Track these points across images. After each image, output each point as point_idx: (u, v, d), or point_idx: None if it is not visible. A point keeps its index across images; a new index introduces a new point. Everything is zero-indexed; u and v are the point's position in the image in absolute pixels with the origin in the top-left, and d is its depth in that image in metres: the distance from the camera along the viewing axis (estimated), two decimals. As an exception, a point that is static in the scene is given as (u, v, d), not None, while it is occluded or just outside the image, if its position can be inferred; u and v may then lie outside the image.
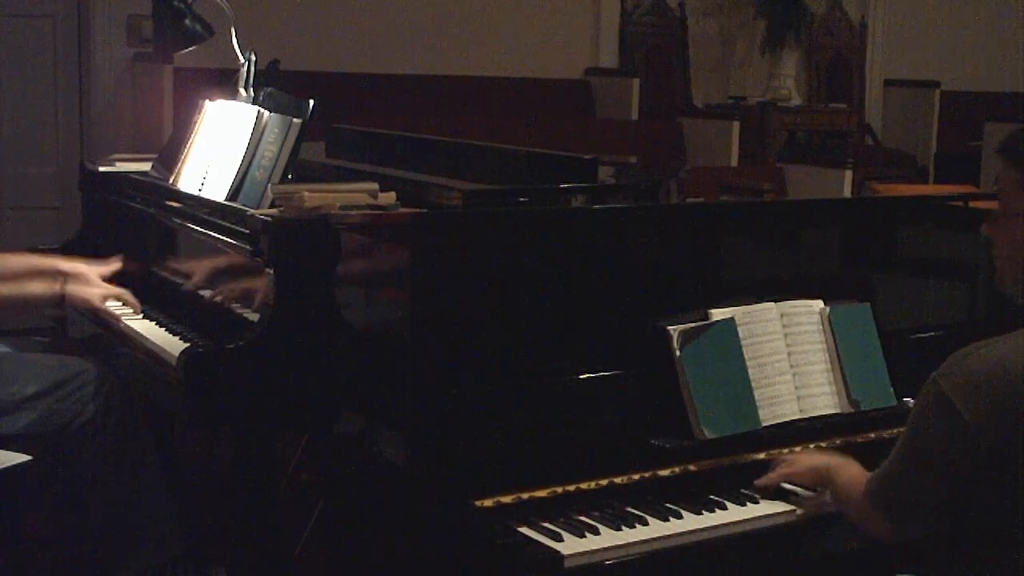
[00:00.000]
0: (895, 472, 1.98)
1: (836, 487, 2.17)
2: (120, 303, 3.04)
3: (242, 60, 3.19)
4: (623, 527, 2.13)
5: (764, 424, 2.42)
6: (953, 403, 1.85)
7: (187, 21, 3.43)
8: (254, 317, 2.61)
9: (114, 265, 3.12)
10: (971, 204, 3.08)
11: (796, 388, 2.49)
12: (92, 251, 3.31)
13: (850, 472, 2.15)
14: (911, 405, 2.56)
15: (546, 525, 2.10)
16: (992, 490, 1.86)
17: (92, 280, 3.03)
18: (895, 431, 2.52)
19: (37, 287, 3.04)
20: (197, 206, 2.95)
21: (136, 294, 3.11)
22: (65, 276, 3.03)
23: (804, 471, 2.27)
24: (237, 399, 2.49)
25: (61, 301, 3.03)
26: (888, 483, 1.99)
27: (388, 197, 2.65)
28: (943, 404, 1.86)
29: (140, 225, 3.33)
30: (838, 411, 2.54)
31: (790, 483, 2.30)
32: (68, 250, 3.49)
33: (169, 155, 3.27)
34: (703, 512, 2.21)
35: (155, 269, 3.24)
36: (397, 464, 2.22)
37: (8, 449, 2.83)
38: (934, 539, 2.01)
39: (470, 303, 2.25)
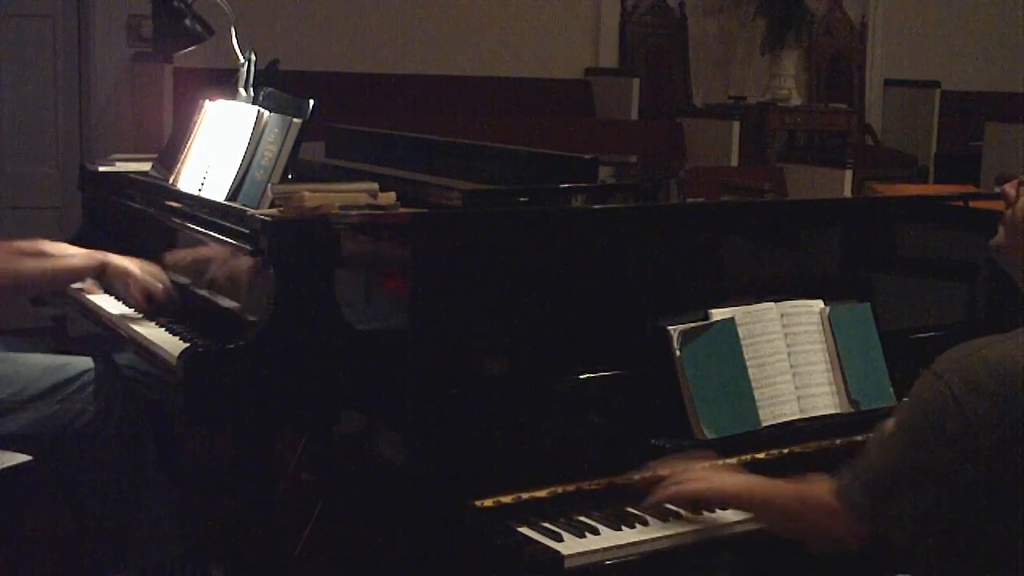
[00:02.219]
0: (886, 469, 1.90)
1: (772, 506, 2.06)
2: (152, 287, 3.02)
3: (242, 60, 3.18)
4: (623, 527, 2.13)
5: (764, 424, 2.42)
6: (959, 400, 1.82)
7: (187, 21, 3.43)
8: (254, 317, 2.61)
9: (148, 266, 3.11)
10: (971, 204, 3.08)
11: (796, 388, 2.49)
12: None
13: (783, 487, 2.05)
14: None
15: (546, 525, 2.10)
16: (991, 490, 1.85)
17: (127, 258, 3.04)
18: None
19: (78, 259, 3.03)
20: (197, 206, 2.95)
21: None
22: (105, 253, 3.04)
23: (695, 493, 2.15)
24: (237, 399, 2.49)
25: (103, 270, 3.00)
26: (875, 482, 1.91)
27: (388, 197, 2.65)
28: (949, 401, 1.83)
29: (140, 225, 3.33)
30: (838, 411, 2.54)
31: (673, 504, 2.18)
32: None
33: (169, 155, 3.27)
34: (703, 512, 2.21)
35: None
36: (397, 464, 2.22)
37: (8, 449, 2.83)
38: (931, 541, 1.99)
39: (470, 303, 2.25)
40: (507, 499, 2.13)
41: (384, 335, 2.37)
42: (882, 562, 2.24)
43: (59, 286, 3.18)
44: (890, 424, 1.94)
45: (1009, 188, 2.01)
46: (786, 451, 2.43)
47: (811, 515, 2.00)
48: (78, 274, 3.07)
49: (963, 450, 1.83)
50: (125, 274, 2.99)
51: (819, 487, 2.01)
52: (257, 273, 2.59)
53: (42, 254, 3.04)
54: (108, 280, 3.08)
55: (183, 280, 3.08)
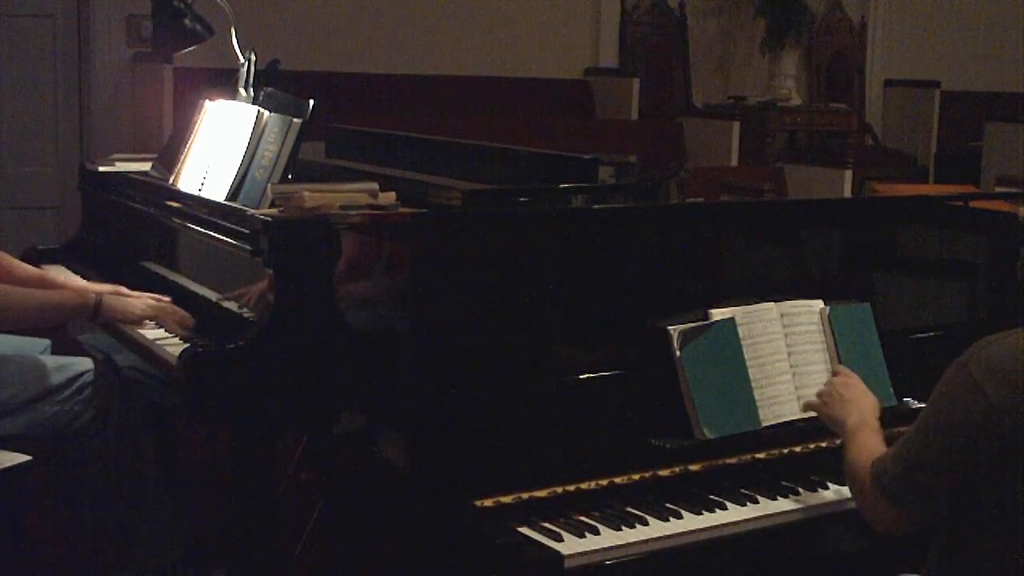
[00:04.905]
0: (911, 455, 1.95)
1: (847, 453, 2.15)
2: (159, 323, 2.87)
3: (242, 60, 3.19)
4: (623, 527, 2.13)
5: (764, 424, 2.42)
6: (980, 386, 1.86)
7: (187, 21, 3.43)
8: (254, 317, 2.61)
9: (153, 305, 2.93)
10: (971, 204, 3.08)
11: (796, 388, 2.48)
12: (92, 251, 3.31)
13: (861, 444, 2.13)
14: (912, 405, 2.58)
15: (546, 525, 2.10)
16: (1005, 480, 1.86)
17: (131, 301, 2.90)
18: (895, 431, 2.53)
19: (71, 296, 2.91)
20: (197, 206, 2.95)
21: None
22: (102, 294, 2.89)
23: (830, 417, 2.30)
24: (237, 399, 2.49)
25: (97, 311, 2.86)
26: (902, 467, 1.96)
27: (388, 197, 2.65)
28: (971, 387, 1.88)
29: (140, 225, 3.33)
30: (838, 411, 2.54)
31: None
32: (68, 250, 3.49)
33: (169, 155, 3.27)
34: (703, 512, 2.21)
35: (155, 269, 3.24)
36: (397, 464, 2.22)
37: (8, 449, 2.82)
38: (934, 538, 2.00)
39: (470, 303, 2.25)
40: (507, 499, 2.13)
41: (384, 335, 2.37)
42: (882, 562, 2.24)
43: (45, 324, 2.98)
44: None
45: None
46: (786, 451, 2.43)
47: (859, 489, 2.07)
48: (67, 315, 2.95)
49: (984, 434, 1.86)
50: (123, 319, 2.87)
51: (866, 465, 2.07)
52: (257, 273, 2.59)
53: (42, 281, 2.94)
54: (103, 321, 2.91)
55: (183, 280, 3.08)
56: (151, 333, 2.82)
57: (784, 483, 2.35)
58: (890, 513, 1.99)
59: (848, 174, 5.64)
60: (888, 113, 8.34)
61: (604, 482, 2.23)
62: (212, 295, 2.92)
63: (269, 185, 2.75)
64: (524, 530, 2.08)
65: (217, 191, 2.92)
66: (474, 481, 2.13)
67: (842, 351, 2.55)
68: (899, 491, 1.96)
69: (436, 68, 6.81)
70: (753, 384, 2.42)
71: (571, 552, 2.03)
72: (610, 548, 2.07)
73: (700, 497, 2.26)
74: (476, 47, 6.97)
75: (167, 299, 2.92)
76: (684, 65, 7.74)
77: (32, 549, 3.17)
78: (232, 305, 2.80)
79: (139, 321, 2.86)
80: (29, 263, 3.28)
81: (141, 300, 2.91)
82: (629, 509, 2.19)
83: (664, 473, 2.29)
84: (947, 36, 8.60)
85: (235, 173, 2.89)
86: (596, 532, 2.10)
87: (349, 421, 2.45)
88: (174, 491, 3.09)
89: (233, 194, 2.87)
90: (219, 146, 3.02)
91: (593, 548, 2.05)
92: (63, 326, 3.41)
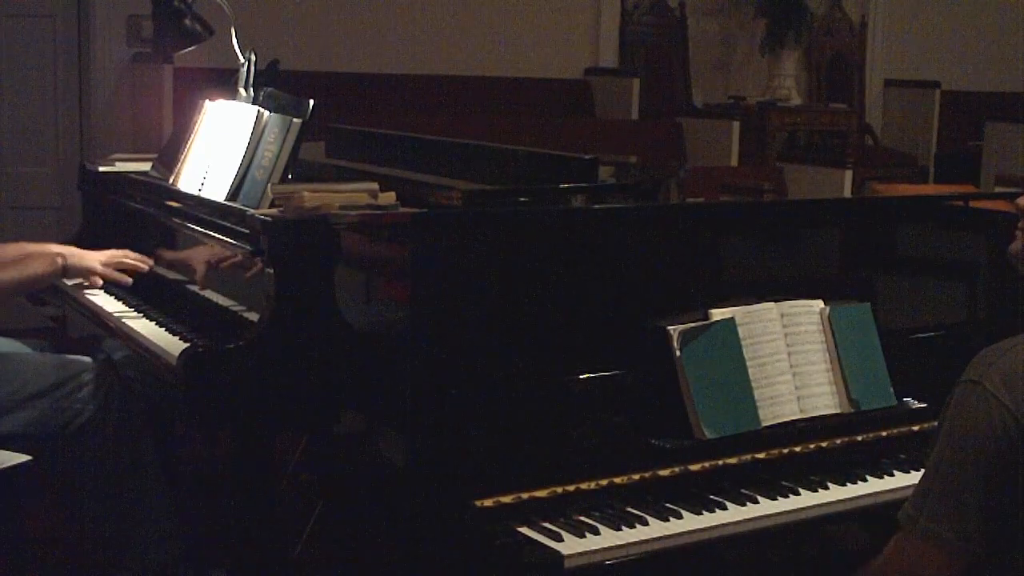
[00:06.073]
0: (945, 487, 1.88)
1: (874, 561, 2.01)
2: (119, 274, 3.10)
3: (242, 60, 3.18)
4: (623, 527, 2.13)
5: (764, 424, 2.42)
6: (1002, 401, 1.84)
7: (187, 21, 3.43)
8: (254, 317, 2.61)
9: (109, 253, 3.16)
10: (971, 204, 3.08)
11: (796, 388, 2.48)
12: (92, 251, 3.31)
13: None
14: (912, 405, 2.58)
15: (546, 525, 2.10)
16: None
17: (89, 253, 3.11)
18: (895, 431, 2.53)
19: (38, 266, 3.07)
20: (197, 206, 2.95)
21: (136, 293, 3.12)
22: (63, 254, 3.09)
23: None
24: (237, 399, 2.49)
25: (63, 274, 3.08)
26: (937, 498, 1.88)
27: (388, 197, 2.65)
28: (992, 403, 1.84)
29: (140, 225, 3.33)
30: (838, 411, 2.54)
31: None
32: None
33: (169, 155, 3.27)
34: (703, 512, 2.21)
35: (155, 269, 3.24)
36: (397, 464, 2.22)
37: (8, 449, 2.82)
38: None
39: (470, 303, 2.25)
40: (507, 499, 2.13)
41: (384, 335, 2.37)
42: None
43: (22, 294, 3.23)
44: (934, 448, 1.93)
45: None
46: (786, 451, 2.43)
47: (894, 552, 1.96)
48: (40, 281, 3.12)
49: (1011, 442, 1.84)
50: (88, 272, 3.10)
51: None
52: (257, 273, 2.59)
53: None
54: (72, 279, 3.15)
55: (183, 280, 3.08)
56: (151, 332, 2.82)
57: (784, 483, 2.35)
58: (930, 560, 1.90)
59: (848, 174, 5.65)
60: (888, 113, 8.34)
61: (604, 482, 2.23)
62: (212, 295, 2.92)
63: (269, 185, 2.74)
64: (524, 530, 2.09)
65: (217, 191, 2.92)
66: (474, 481, 2.13)
67: (842, 351, 2.55)
68: (938, 526, 1.87)
69: (436, 68, 6.81)
70: (753, 384, 2.42)
71: (571, 552, 2.03)
72: (610, 548, 2.07)
73: (700, 497, 2.26)
74: (476, 47, 6.97)
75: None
76: (684, 65, 7.74)
77: (32, 549, 3.17)
78: (232, 305, 2.80)
79: (101, 270, 3.08)
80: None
81: (99, 255, 3.12)
82: (629, 509, 2.19)
83: (664, 473, 2.29)
84: (947, 36, 8.60)
85: (235, 173, 2.89)
86: (596, 532, 2.10)
87: (349, 421, 2.45)
88: (174, 491, 3.09)
89: (233, 194, 2.87)
90: (219, 146, 3.02)
91: (593, 548, 2.05)
92: (63, 326, 3.41)
